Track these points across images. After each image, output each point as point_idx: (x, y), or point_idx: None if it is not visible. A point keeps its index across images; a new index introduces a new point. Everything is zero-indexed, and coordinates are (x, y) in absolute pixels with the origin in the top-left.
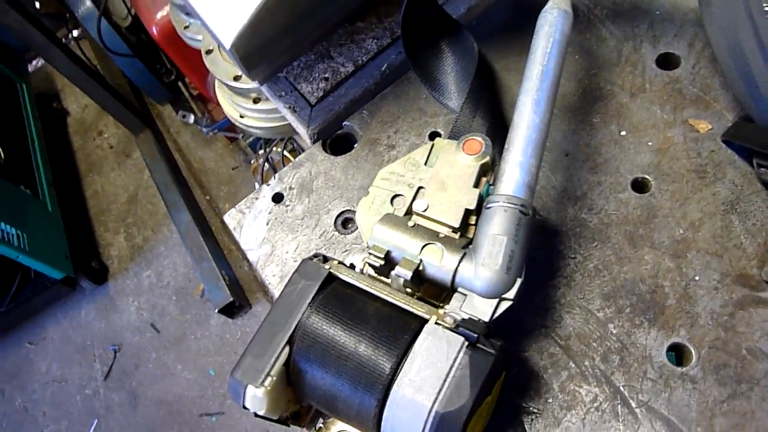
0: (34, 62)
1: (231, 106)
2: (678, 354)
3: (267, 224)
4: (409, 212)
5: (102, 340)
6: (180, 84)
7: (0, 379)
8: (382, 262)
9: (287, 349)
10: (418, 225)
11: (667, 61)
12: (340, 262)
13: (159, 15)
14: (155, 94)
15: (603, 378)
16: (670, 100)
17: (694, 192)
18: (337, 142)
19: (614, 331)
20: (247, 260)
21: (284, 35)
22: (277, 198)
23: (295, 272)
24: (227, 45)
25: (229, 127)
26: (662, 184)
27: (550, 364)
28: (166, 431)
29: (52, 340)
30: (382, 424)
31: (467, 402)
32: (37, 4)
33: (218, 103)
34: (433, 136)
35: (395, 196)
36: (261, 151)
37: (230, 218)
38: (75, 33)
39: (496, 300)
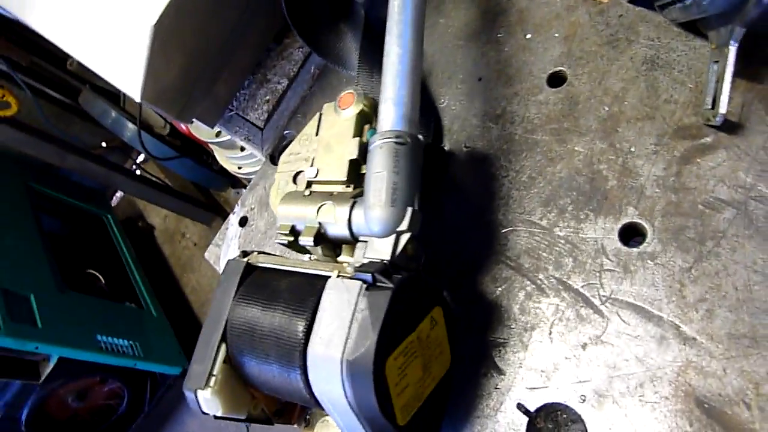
0: (118, 194)
1: (228, 162)
2: (632, 234)
3: (239, 249)
4: (309, 185)
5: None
6: None
7: None
8: (291, 238)
9: (223, 346)
10: (314, 192)
11: None
12: (261, 252)
13: None
14: (213, 183)
15: (560, 285)
16: None
17: (611, 63)
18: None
19: (561, 234)
20: None
21: (192, 74)
22: (243, 222)
23: (221, 274)
24: (137, 99)
25: None
26: (577, 69)
27: (506, 289)
28: None
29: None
30: (314, 391)
31: (372, 342)
32: (104, 144)
33: None
34: None
35: (297, 173)
36: None
37: (209, 254)
38: (140, 159)
39: (393, 236)
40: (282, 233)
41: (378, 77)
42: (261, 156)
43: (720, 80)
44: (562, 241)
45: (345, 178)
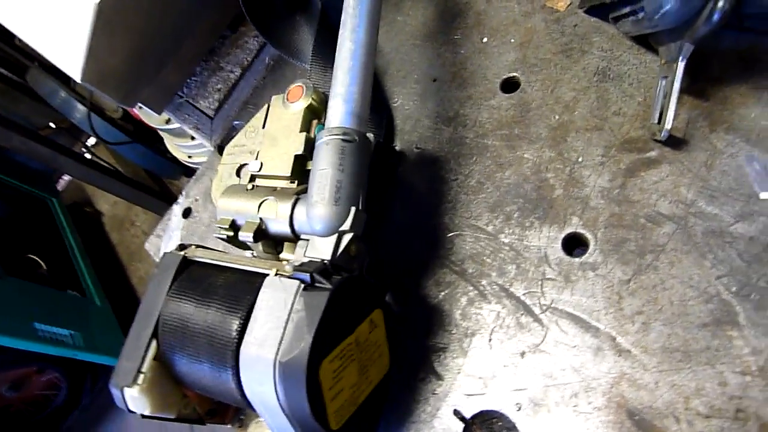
0: (65, 177)
1: (178, 150)
2: (575, 244)
3: (181, 240)
4: (252, 179)
5: None
6: None
7: None
8: (230, 233)
9: (154, 342)
10: (257, 186)
11: None
12: (199, 246)
13: None
14: (166, 171)
15: (502, 292)
16: None
17: (564, 72)
18: None
19: (506, 241)
20: None
21: (139, 57)
22: (186, 213)
23: (156, 267)
24: (78, 79)
25: None
26: (530, 76)
27: (449, 293)
28: None
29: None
30: (246, 392)
31: (306, 345)
32: (52, 124)
33: None
34: None
35: (241, 166)
36: None
37: (150, 245)
38: (90, 142)
39: (335, 236)
40: (222, 227)
41: (331, 72)
42: (209, 146)
43: (667, 96)
44: (507, 248)
45: (289, 174)
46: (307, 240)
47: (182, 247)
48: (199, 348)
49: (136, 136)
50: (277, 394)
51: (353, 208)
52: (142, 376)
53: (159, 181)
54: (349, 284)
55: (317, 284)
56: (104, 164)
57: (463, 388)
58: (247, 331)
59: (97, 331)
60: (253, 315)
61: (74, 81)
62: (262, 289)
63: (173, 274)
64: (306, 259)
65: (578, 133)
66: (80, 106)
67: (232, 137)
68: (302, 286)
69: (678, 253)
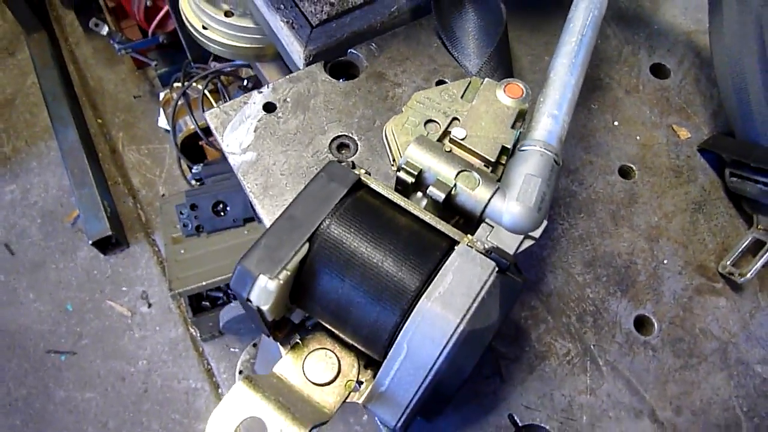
0: None
1: (194, 14)
2: (643, 324)
3: (255, 131)
4: (441, 139)
5: None
6: None
7: None
8: (414, 180)
9: (306, 246)
10: (451, 151)
11: (659, 71)
12: (367, 172)
13: None
14: None
15: (576, 335)
16: (658, 104)
17: (671, 188)
18: (338, 69)
19: (591, 296)
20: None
21: None
22: (269, 108)
23: (320, 171)
24: None
25: (143, 50)
26: (645, 175)
27: (530, 316)
28: (3, 364)
29: None
30: (400, 336)
31: (494, 323)
32: None
33: (141, 20)
34: (440, 84)
35: (429, 120)
36: (177, 84)
37: (212, 116)
38: None
39: (522, 236)
40: (409, 171)
41: (498, 75)
42: (300, 50)
43: (754, 252)
44: (590, 302)
45: (494, 159)
46: (491, 226)
47: (353, 165)
48: (367, 279)
49: None
50: (443, 352)
51: (545, 221)
52: (285, 273)
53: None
54: (526, 285)
55: (511, 274)
56: None
57: (521, 398)
58: (432, 286)
59: None
60: (440, 273)
61: None
62: (455, 254)
63: (344, 191)
64: (489, 244)
65: (669, 240)
66: None
67: (339, 62)
68: (497, 269)
69: (715, 367)
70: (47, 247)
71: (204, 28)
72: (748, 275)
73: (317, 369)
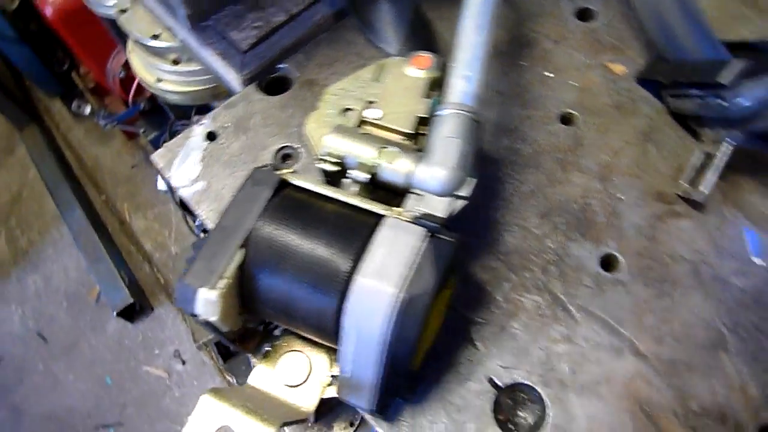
0: None
1: (147, 71)
2: (609, 262)
3: (202, 161)
4: (359, 125)
5: None
6: (74, 75)
7: None
8: (338, 168)
9: (242, 252)
10: (369, 134)
11: (585, 14)
12: (293, 171)
13: None
14: (45, 85)
15: (543, 287)
16: (590, 47)
17: (615, 124)
18: (273, 86)
19: (551, 246)
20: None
21: None
22: (212, 136)
23: (246, 180)
24: None
25: (128, 120)
26: (587, 117)
27: (493, 277)
28: None
29: None
30: (344, 318)
31: (432, 286)
32: None
33: (120, 92)
34: None
35: (346, 110)
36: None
37: (159, 157)
38: None
39: (451, 198)
40: (329, 160)
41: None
42: (237, 77)
43: (706, 167)
44: (551, 252)
45: (412, 131)
46: (419, 195)
47: (275, 168)
48: (302, 271)
49: (28, 37)
50: (388, 324)
51: (473, 179)
52: (224, 281)
53: (25, 91)
54: (458, 245)
55: (441, 235)
56: None
57: (498, 360)
58: (364, 262)
59: None
60: (371, 249)
61: None
62: (383, 228)
63: (270, 193)
64: (418, 212)
65: (622, 176)
66: None
67: (273, 78)
68: (428, 233)
69: (689, 288)
70: (77, 327)
71: (158, 80)
72: (703, 188)
73: (289, 372)
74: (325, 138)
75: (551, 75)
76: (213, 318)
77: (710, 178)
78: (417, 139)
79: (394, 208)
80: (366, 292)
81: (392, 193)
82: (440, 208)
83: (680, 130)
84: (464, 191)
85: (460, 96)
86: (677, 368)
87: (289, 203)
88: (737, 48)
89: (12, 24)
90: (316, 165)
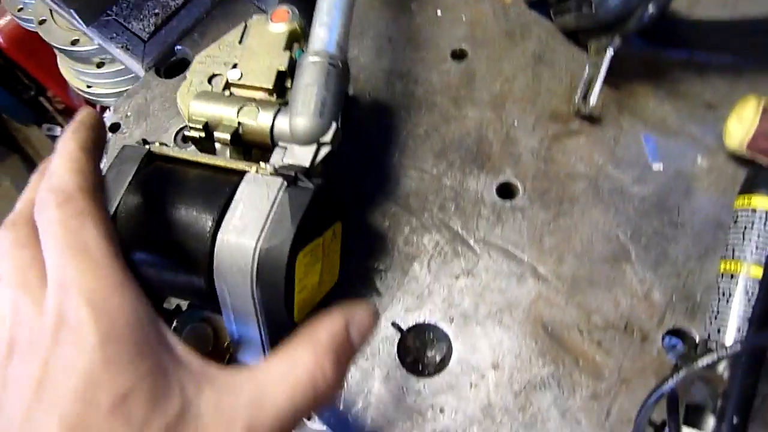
0: None
1: (77, 78)
2: (507, 190)
3: (106, 153)
4: (227, 87)
5: None
6: (42, 100)
7: None
8: (202, 134)
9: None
10: (234, 95)
11: None
12: (163, 144)
13: (2, 22)
14: (16, 114)
15: (442, 225)
16: None
17: (507, 51)
18: (173, 70)
19: (448, 183)
20: None
21: None
22: (114, 128)
23: (114, 159)
24: None
25: None
26: (478, 49)
27: (392, 223)
28: None
29: None
30: (216, 279)
31: (288, 234)
32: None
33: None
34: None
35: (213, 76)
36: None
37: None
38: None
39: (315, 146)
40: (194, 127)
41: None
42: (140, 68)
43: (594, 79)
44: (448, 189)
45: (271, 87)
46: (284, 147)
47: (145, 142)
48: (171, 241)
49: None
50: (252, 279)
51: (334, 124)
52: None
53: (2, 123)
54: (325, 189)
55: (300, 184)
56: None
57: (402, 304)
58: (225, 220)
59: None
60: (231, 207)
61: None
62: (242, 184)
63: (136, 167)
64: (281, 164)
65: (515, 102)
66: None
67: (174, 61)
68: (285, 183)
69: (588, 204)
70: None
71: (88, 87)
72: (592, 101)
73: (194, 345)
74: (191, 104)
75: (441, 14)
76: None
77: (596, 89)
78: (283, 93)
79: (257, 164)
80: (228, 249)
81: (268, 152)
82: (305, 157)
83: (573, 48)
84: (326, 137)
85: (320, 44)
86: (579, 285)
87: (156, 175)
88: None
89: None
90: (185, 134)
